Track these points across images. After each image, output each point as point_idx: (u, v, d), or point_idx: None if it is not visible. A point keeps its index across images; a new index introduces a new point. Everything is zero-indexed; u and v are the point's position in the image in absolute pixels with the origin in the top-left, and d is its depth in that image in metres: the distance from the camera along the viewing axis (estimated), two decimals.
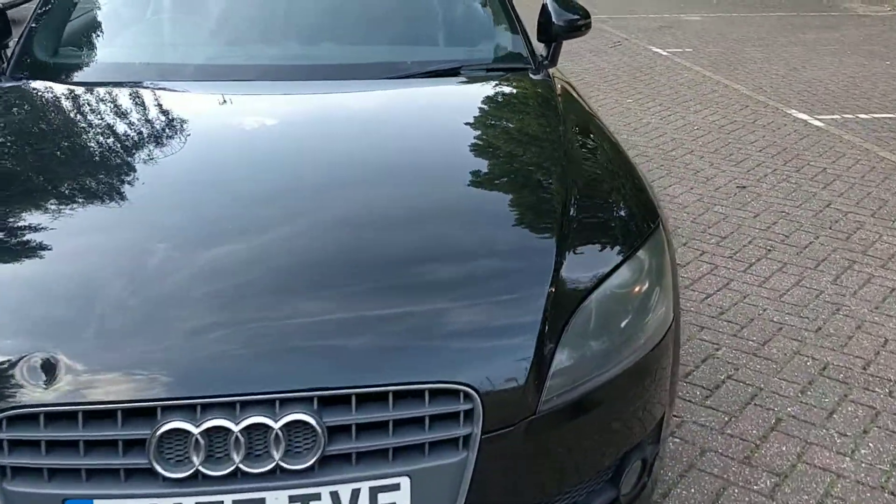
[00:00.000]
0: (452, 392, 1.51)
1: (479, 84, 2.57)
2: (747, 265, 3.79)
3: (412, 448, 1.49)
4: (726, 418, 2.70)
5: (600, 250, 1.83)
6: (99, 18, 2.78)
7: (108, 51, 2.64)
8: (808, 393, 2.85)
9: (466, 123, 2.32)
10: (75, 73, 2.51)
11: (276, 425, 1.42)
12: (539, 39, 2.96)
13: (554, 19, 2.89)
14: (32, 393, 1.42)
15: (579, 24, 2.92)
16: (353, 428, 1.46)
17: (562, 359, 1.61)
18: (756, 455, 2.55)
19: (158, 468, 1.41)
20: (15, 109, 2.32)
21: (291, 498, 1.44)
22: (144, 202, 1.83)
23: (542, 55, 2.88)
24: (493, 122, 2.36)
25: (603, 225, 1.94)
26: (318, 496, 1.44)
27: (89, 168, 1.96)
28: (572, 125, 2.32)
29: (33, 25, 2.64)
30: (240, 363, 1.46)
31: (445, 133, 2.23)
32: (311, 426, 1.43)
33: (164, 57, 2.62)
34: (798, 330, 3.24)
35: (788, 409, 2.76)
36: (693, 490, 2.40)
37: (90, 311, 1.52)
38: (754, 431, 2.65)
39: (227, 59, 2.56)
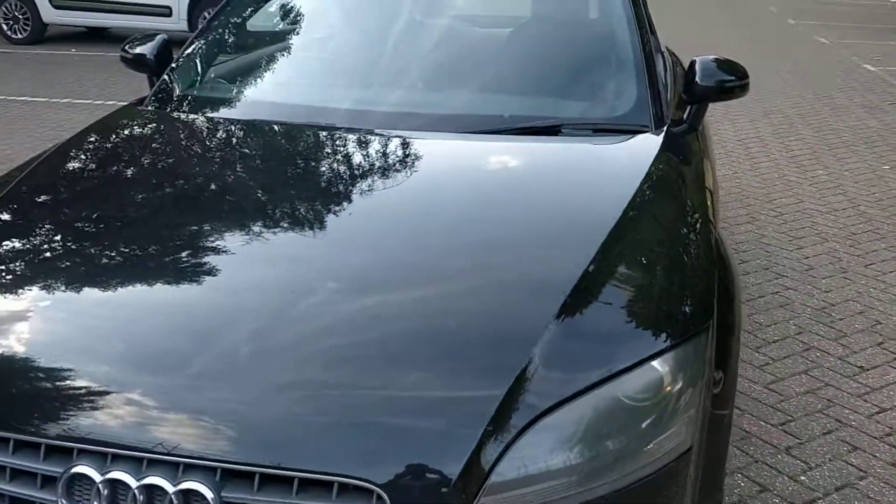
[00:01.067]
0: (364, 490, 1.37)
1: (578, 144, 2.36)
2: None
3: None
4: None
5: (602, 350, 1.59)
6: (245, 56, 2.93)
7: (246, 88, 2.76)
8: None
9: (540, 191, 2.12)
10: (216, 107, 2.63)
11: (172, 490, 1.38)
12: (683, 99, 2.68)
13: (698, 79, 2.59)
14: None
15: (729, 87, 2.60)
16: None
17: (505, 475, 1.41)
18: None
19: None
20: (155, 136, 2.49)
21: None
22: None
23: (682, 117, 2.61)
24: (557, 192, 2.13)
25: (619, 320, 1.68)
26: None
27: (213, 202, 2.06)
28: (652, 199, 2.06)
29: (182, 57, 2.83)
30: (152, 422, 1.43)
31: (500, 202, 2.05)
32: (206, 499, 1.37)
33: (296, 98, 2.66)
34: None
35: None
36: None
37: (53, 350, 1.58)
38: None
39: (369, 106, 2.54)
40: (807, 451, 2.76)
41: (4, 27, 11.01)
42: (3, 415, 1.49)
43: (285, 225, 1.92)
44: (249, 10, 3.11)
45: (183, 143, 2.44)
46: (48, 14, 10.79)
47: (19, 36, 11.00)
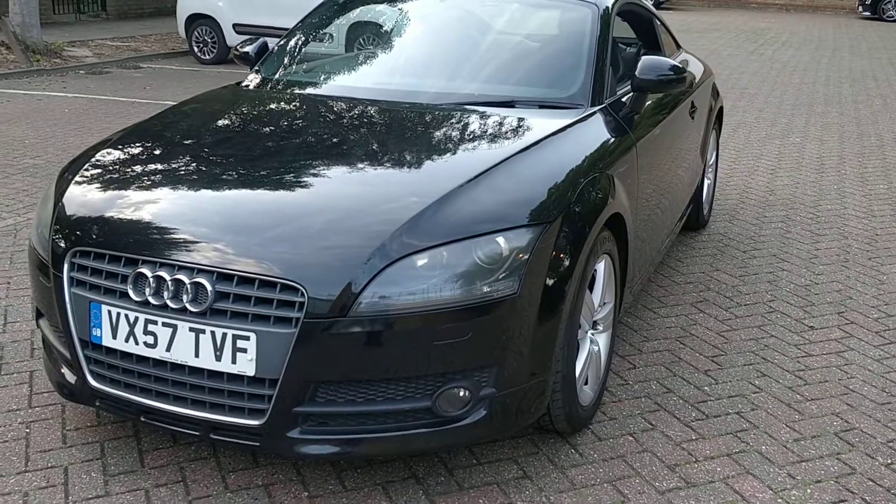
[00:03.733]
0: (292, 286, 2.31)
1: (521, 112, 3.23)
2: None
3: (262, 318, 2.32)
4: None
5: (482, 209, 2.51)
6: (315, 50, 4.00)
7: (314, 73, 3.84)
8: None
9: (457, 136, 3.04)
10: (289, 87, 3.72)
11: (188, 281, 2.37)
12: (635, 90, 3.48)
13: (637, 72, 3.38)
14: (89, 238, 2.55)
15: (666, 80, 3.37)
16: (232, 296, 2.34)
17: (384, 281, 2.31)
18: None
19: (130, 293, 2.44)
20: (247, 102, 3.60)
21: (190, 328, 2.37)
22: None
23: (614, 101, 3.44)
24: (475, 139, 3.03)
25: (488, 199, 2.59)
26: (203, 331, 2.35)
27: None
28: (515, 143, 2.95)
29: (271, 53, 3.95)
30: (185, 247, 2.44)
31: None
32: (207, 288, 2.35)
33: (346, 81, 3.78)
34: None
35: None
36: None
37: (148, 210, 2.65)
38: None
39: (379, 86, 3.58)
40: (720, 373, 3.43)
41: (195, 49, 12.89)
42: (103, 238, 2.54)
43: (312, 152, 2.97)
44: (314, 25, 4.19)
45: (266, 108, 3.53)
46: (231, 38, 12.54)
47: (207, 57, 12.84)
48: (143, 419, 2.51)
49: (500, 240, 2.45)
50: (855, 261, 4.77)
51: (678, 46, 5.01)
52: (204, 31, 12.78)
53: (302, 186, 2.69)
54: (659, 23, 4.59)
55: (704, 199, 5.18)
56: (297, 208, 2.55)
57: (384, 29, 4.07)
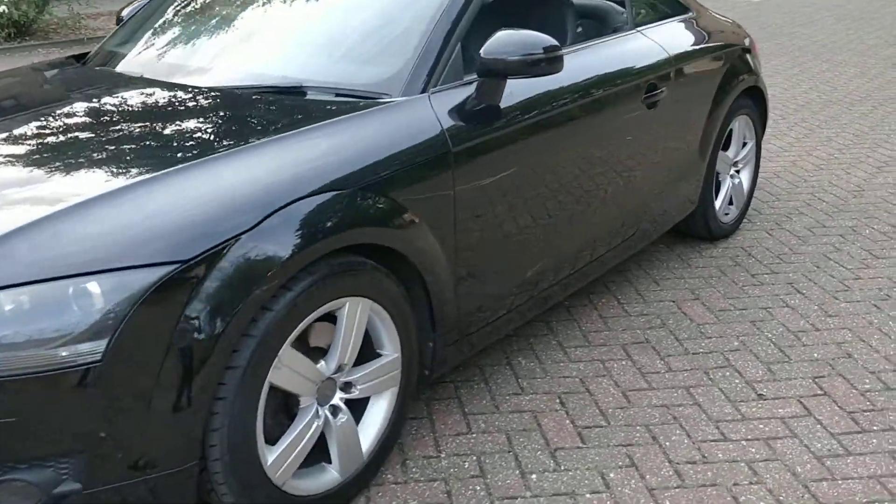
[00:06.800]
0: None
1: (277, 106, 2.49)
2: None
3: None
4: None
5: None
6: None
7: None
8: None
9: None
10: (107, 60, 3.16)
11: None
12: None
13: (482, 51, 2.53)
14: None
15: (528, 62, 2.50)
16: None
17: None
18: None
19: None
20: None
21: None
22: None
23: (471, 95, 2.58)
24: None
25: None
26: None
27: None
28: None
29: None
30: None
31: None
32: None
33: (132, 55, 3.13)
34: None
35: None
36: None
37: None
38: None
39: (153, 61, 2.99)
40: (570, 456, 2.57)
41: None
42: None
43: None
44: None
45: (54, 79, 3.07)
46: None
47: None
48: None
49: (92, 286, 1.82)
50: (894, 303, 3.57)
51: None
52: None
53: None
54: None
55: (720, 205, 4.10)
56: None
57: None
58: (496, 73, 2.54)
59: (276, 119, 2.36)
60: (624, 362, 3.10)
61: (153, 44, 3.12)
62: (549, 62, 2.56)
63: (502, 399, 2.87)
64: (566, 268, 3.12)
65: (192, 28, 3.14)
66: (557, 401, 2.86)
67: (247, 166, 2.10)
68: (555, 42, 2.58)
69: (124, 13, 3.58)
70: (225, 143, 2.21)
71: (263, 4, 3.09)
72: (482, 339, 2.77)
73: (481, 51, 2.53)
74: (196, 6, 3.27)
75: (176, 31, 3.16)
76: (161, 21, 3.25)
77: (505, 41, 2.53)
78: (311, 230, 2.05)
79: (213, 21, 3.12)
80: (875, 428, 2.70)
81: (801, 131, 6.20)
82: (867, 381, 2.97)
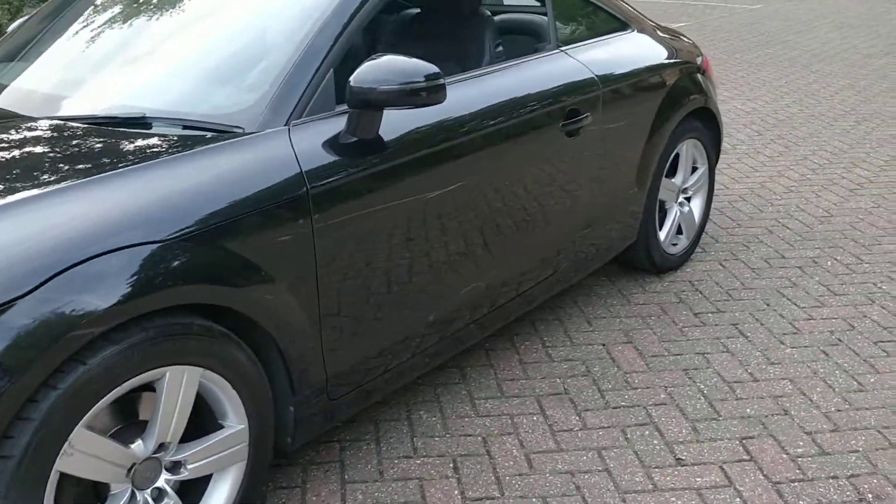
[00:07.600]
0: None
1: (110, 143, 2.16)
2: None
3: None
4: None
5: None
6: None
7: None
8: None
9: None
10: None
11: None
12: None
13: (351, 80, 2.24)
14: None
15: (406, 92, 2.21)
16: None
17: None
18: None
19: None
20: None
21: None
22: None
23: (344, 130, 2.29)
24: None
25: None
26: None
27: None
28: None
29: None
30: None
31: None
32: None
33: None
34: None
35: None
36: None
37: None
38: None
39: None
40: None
41: None
42: None
43: None
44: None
45: None
46: None
47: None
48: None
49: None
50: (851, 344, 3.25)
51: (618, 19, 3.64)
52: None
53: None
54: None
55: (665, 236, 3.80)
56: None
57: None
58: (369, 104, 2.26)
59: (100, 156, 2.06)
60: (535, 417, 2.81)
61: None
62: (429, 91, 2.27)
63: (390, 463, 2.58)
64: (484, 305, 2.83)
65: (33, 48, 2.84)
66: (451, 465, 2.57)
67: (46, 215, 1.81)
68: (436, 69, 2.29)
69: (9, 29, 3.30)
70: (27, 185, 1.91)
71: (111, 25, 2.78)
72: (356, 403, 2.47)
73: (350, 79, 2.24)
74: (41, 25, 2.97)
75: (15, 48, 2.87)
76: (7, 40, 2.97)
77: (379, 68, 2.24)
78: (112, 291, 1.76)
79: (54, 41, 2.81)
80: (801, 503, 2.39)
81: (777, 148, 5.88)
82: (801, 443, 2.66)
